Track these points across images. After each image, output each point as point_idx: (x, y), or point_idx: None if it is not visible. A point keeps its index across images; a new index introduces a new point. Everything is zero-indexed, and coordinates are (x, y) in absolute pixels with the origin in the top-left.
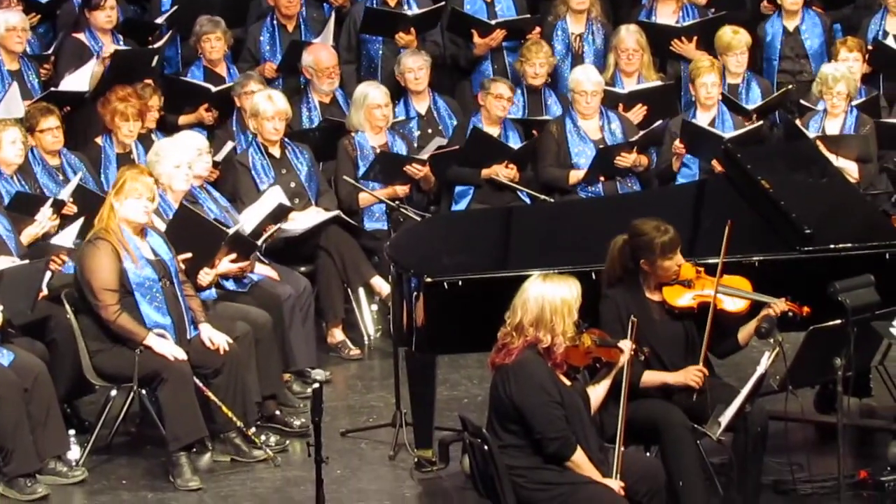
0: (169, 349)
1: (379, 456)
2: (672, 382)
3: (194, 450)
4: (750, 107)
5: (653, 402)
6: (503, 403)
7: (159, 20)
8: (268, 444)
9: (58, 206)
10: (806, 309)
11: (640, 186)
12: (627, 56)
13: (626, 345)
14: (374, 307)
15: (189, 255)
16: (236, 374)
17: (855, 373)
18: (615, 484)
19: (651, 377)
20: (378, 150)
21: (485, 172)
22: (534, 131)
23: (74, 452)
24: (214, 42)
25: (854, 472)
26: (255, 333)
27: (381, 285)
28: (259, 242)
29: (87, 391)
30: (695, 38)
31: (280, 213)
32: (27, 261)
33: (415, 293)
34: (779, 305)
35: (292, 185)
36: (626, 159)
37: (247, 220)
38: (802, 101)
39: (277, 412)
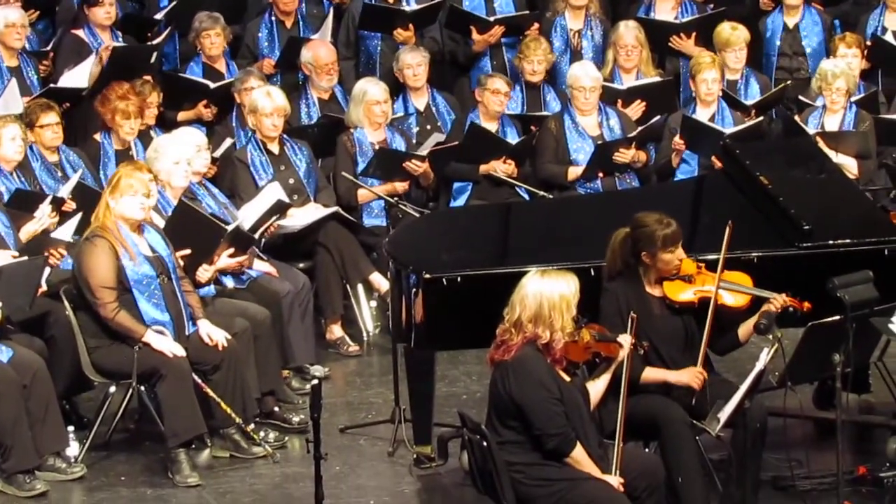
0: (167, 346)
1: (378, 452)
2: (673, 382)
3: (193, 446)
4: (749, 103)
5: (652, 398)
6: (502, 400)
7: (158, 16)
8: (267, 441)
9: (57, 203)
10: (807, 304)
11: (639, 182)
12: (626, 52)
13: (626, 340)
14: (373, 303)
15: (188, 251)
16: (235, 370)
17: (854, 369)
18: (614, 480)
19: (651, 374)
20: (377, 147)
21: (483, 169)
22: (532, 127)
23: (73, 449)
24: (214, 38)
25: (853, 469)
26: (253, 330)
27: (380, 282)
28: (257, 236)
29: (86, 388)
30: (693, 34)
31: (279, 210)
32: (26, 257)
33: (413, 289)
34: (779, 300)
35: (291, 181)
36: (624, 155)
37: (245, 216)
38: (801, 98)
39: (276, 408)
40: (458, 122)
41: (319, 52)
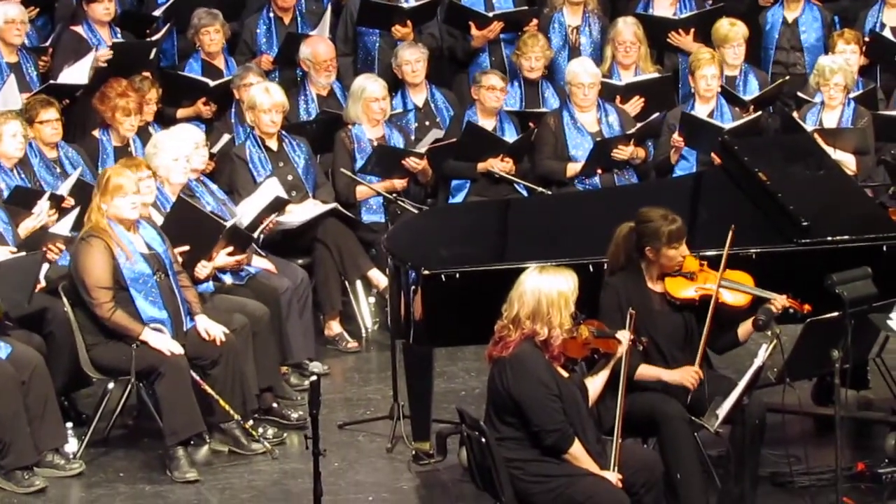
0: (165, 344)
1: (376, 448)
2: (667, 380)
3: (192, 442)
4: (747, 98)
5: (651, 395)
6: (501, 396)
7: (157, 13)
8: (265, 437)
9: (56, 200)
10: (807, 307)
11: (638, 179)
12: (625, 48)
13: (624, 336)
14: (372, 300)
15: (186, 247)
16: (233, 365)
17: (852, 365)
18: (613, 476)
19: (647, 372)
20: (375, 143)
21: (481, 166)
22: (530, 123)
23: (72, 445)
24: (213, 34)
25: (852, 465)
26: (252, 326)
27: (379, 278)
28: (256, 234)
29: (85, 384)
30: (692, 30)
31: (277, 206)
32: (24, 253)
33: (412, 286)
34: (780, 302)
35: (289, 177)
36: (623, 152)
37: (244, 212)
38: (800, 94)
39: (275, 405)
40: (457, 118)
41: (318, 48)
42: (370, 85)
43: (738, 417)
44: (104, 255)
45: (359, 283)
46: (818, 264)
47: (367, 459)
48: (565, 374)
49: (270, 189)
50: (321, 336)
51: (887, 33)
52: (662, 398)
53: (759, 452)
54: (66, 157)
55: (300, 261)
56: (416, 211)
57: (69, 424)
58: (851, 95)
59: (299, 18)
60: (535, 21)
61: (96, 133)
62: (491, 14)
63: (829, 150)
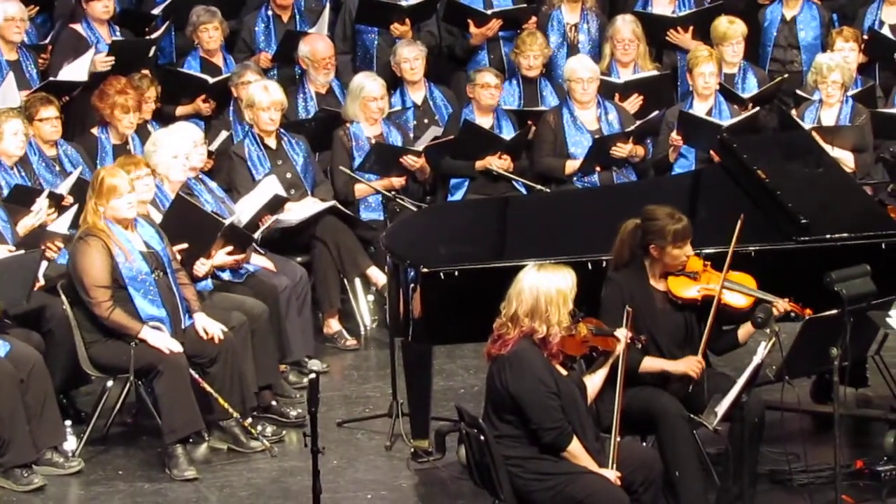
0: (164, 342)
1: (375, 446)
2: (671, 371)
3: (191, 440)
4: (746, 96)
5: (649, 392)
6: (499, 394)
7: (156, 11)
8: (264, 435)
9: (56, 199)
10: (808, 311)
11: (636, 176)
12: (623, 46)
13: (623, 333)
14: (371, 297)
15: (185, 245)
16: (232, 363)
17: (851, 362)
18: (611, 474)
19: (650, 364)
20: (373, 141)
21: (478, 164)
22: (528, 121)
23: (71, 443)
24: (212, 32)
25: (850, 462)
26: (251, 324)
27: (378, 275)
28: (256, 236)
29: (84, 382)
30: (691, 27)
31: (276, 204)
32: (22, 251)
33: (411, 283)
34: (781, 305)
35: (288, 175)
36: (622, 149)
37: (243, 210)
38: (798, 92)
39: (274, 402)
40: (455, 115)
41: (317, 46)
42: (369, 84)
43: (736, 415)
44: (102, 255)
45: (358, 281)
46: (817, 262)
47: (366, 457)
48: (564, 372)
49: (269, 187)
50: (320, 334)
51: (886, 31)
52: (661, 396)
53: (758, 450)
54: (65, 155)
55: (299, 259)
56: (414, 209)
57: (68, 422)
58: (850, 93)
59: (298, 16)
60: (533, 19)
61: (95, 131)
62: (489, 12)
63: (828, 147)
